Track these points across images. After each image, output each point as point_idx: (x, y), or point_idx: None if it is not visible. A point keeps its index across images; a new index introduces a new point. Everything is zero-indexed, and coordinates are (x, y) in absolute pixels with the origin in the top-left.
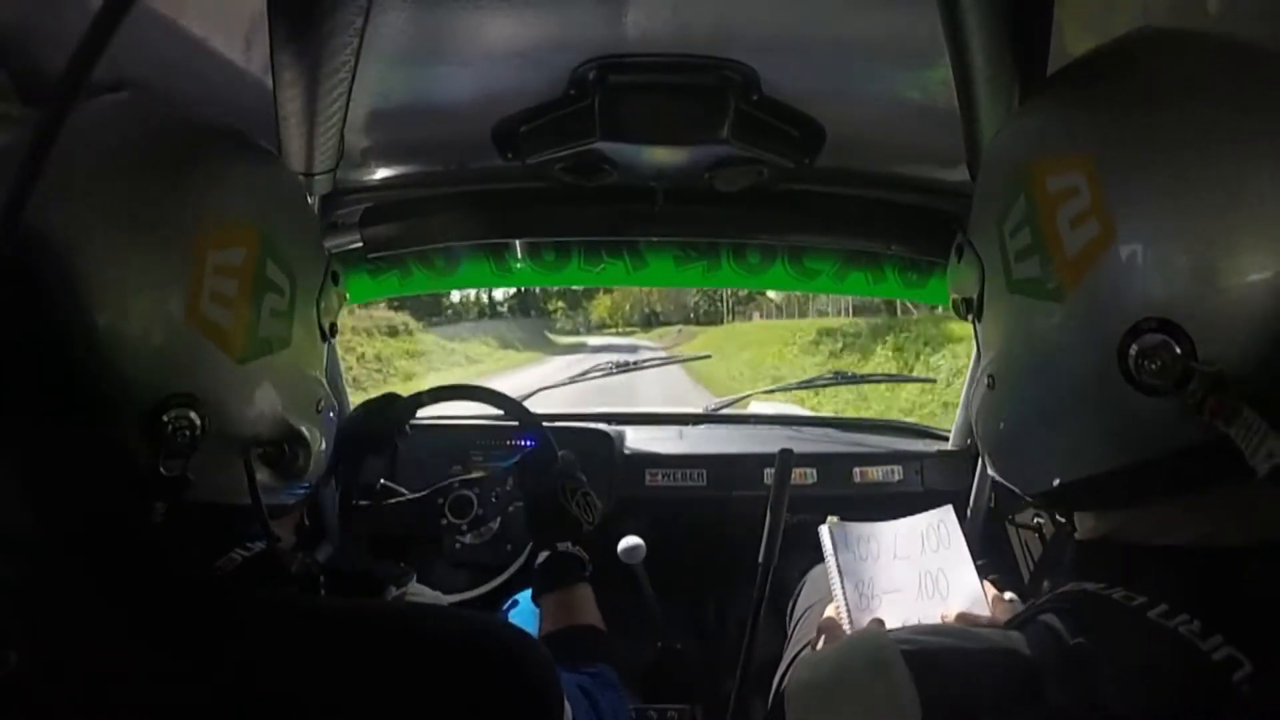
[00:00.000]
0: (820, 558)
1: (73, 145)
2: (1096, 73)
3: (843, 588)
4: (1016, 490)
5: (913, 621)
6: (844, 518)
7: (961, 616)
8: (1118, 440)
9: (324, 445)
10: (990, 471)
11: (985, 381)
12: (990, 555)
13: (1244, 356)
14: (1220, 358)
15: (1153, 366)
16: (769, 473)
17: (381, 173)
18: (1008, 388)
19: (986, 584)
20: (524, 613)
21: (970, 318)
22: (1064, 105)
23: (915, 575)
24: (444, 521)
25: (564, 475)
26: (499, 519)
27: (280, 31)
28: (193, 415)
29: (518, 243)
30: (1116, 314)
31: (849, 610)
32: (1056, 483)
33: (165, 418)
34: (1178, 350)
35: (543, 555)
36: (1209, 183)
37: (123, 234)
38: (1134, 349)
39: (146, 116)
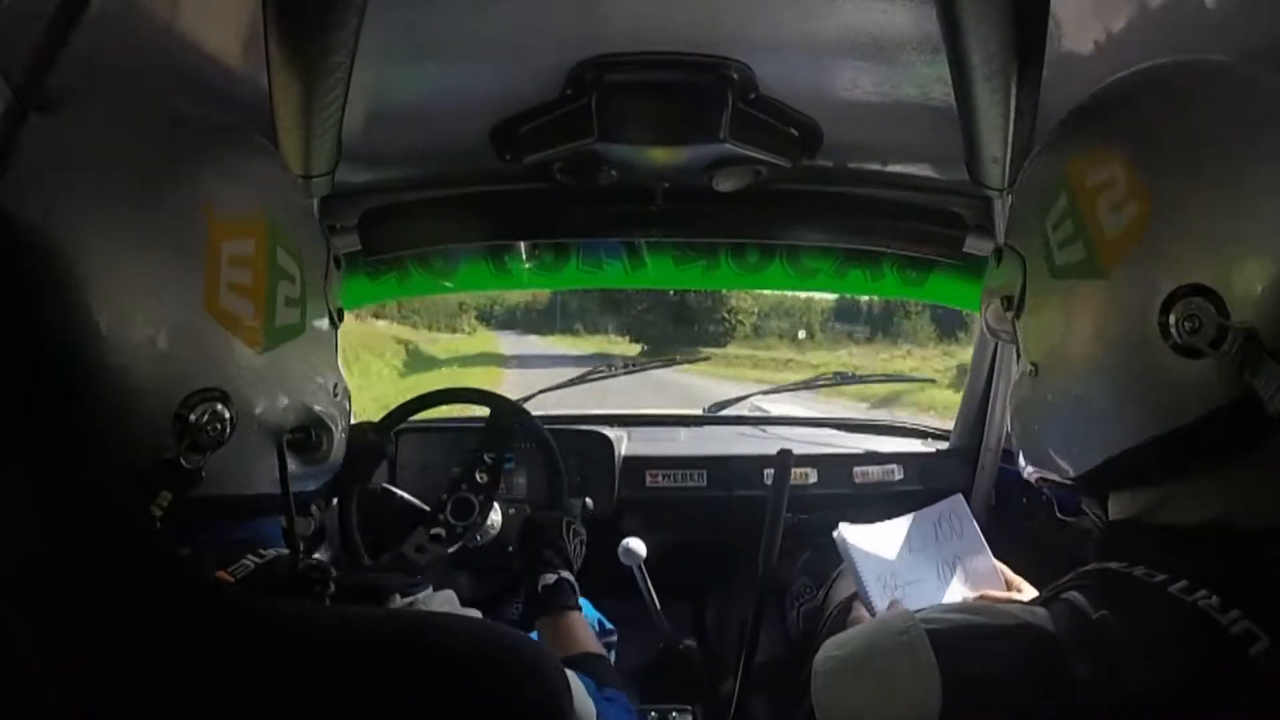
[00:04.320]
0: (832, 557)
1: (79, 146)
2: (1117, 94)
3: (865, 585)
4: (1057, 479)
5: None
6: (845, 518)
7: (983, 597)
8: (1158, 407)
9: (342, 427)
10: (1027, 467)
11: (1029, 371)
12: (991, 554)
13: (1272, 318)
14: (1250, 319)
15: (1191, 327)
16: (769, 473)
17: (380, 175)
18: (1052, 369)
19: (1002, 566)
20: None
21: (1012, 317)
22: (1094, 118)
23: (933, 565)
24: (458, 529)
25: (571, 514)
26: (500, 520)
27: (276, 32)
28: (220, 408)
29: (518, 244)
30: (1156, 284)
31: (874, 604)
32: (1098, 462)
33: (192, 415)
34: (1213, 311)
35: (547, 578)
36: (1229, 170)
37: (137, 232)
38: (1173, 314)
39: (148, 115)
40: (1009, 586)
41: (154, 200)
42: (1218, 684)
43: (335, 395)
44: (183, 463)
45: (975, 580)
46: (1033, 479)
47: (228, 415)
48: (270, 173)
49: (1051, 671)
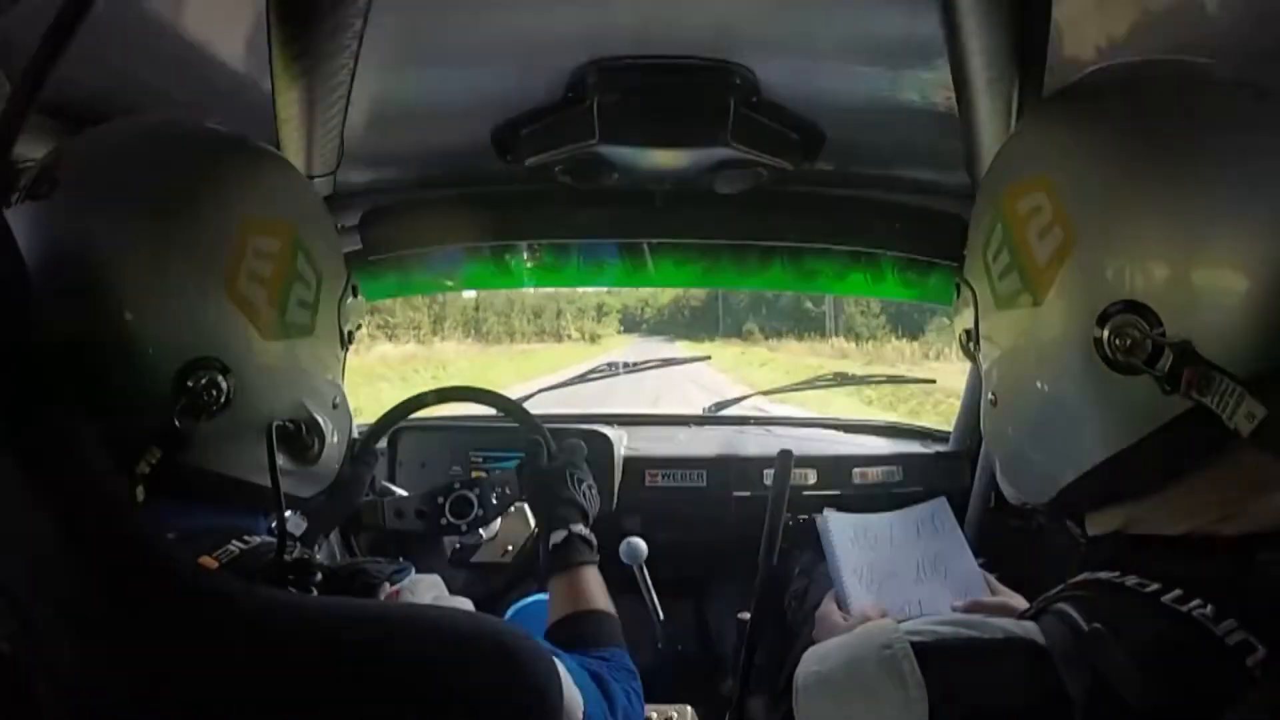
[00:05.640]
0: (823, 555)
1: (122, 150)
2: (1049, 109)
3: (841, 575)
4: (1032, 505)
5: (913, 604)
6: None
7: (975, 605)
8: (1108, 429)
9: (337, 441)
10: (1006, 493)
11: (990, 401)
12: (990, 555)
13: (1207, 332)
14: (1187, 334)
15: (1122, 344)
16: (769, 474)
17: (381, 175)
18: (1007, 401)
19: (987, 574)
20: (530, 614)
21: (972, 348)
22: (1022, 141)
23: (913, 561)
24: (443, 521)
25: (570, 464)
26: (499, 520)
27: (280, 34)
28: (219, 379)
29: (519, 244)
30: (1087, 305)
31: (848, 597)
32: (1063, 486)
33: (191, 380)
34: (1147, 326)
35: (556, 536)
36: (1149, 180)
37: (175, 220)
38: (1106, 332)
39: (192, 128)
40: (994, 594)
41: (193, 198)
42: (1214, 696)
43: (334, 406)
44: (176, 422)
45: (957, 584)
46: (1015, 502)
47: (225, 387)
48: (302, 189)
49: (1044, 686)
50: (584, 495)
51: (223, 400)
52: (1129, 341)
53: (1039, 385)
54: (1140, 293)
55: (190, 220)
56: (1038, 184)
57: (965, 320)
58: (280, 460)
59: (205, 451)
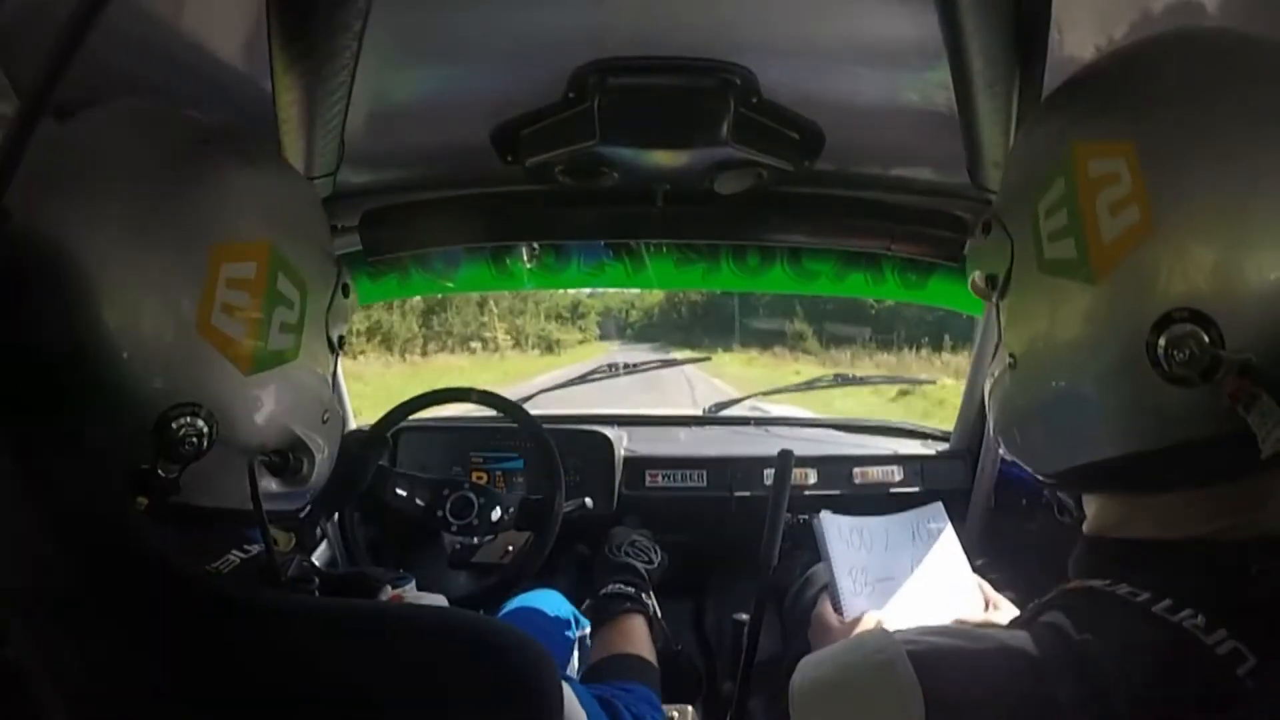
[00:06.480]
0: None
1: (91, 152)
2: (1138, 63)
3: (836, 577)
4: (1028, 469)
5: (904, 607)
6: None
7: (959, 623)
8: (1138, 427)
9: (328, 453)
10: (1001, 450)
11: (1006, 360)
12: (990, 555)
13: (1270, 349)
14: (1248, 349)
15: (1180, 356)
16: (769, 474)
17: (381, 176)
18: (1031, 367)
19: (979, 578)
20: (525, 611)
21: (994, 296)
22: (1107, 92)
23: (907, 565)
24: (440, 514)
25: (627, 533)
26: (499, 522)
27: (280, 35)
28: (200, 424)
29: (519, 245)
30: (1148, 301)
31: (843, 598)
32: (1072, 465)
33: (173, 425)
34: (1206, 340)
35: (605, 590)
36: (1250, 177)
37: (139, 244)
38: (1163, 338)
39: (163, 125)
40: (987, 600)
41: (159, 218)
42: (1205, 706)
43: (324, 421)
44: (159, 472)
45: (950, 589)
46: (1007, 458)
47: (206, 430)
48: (284, 194)
49: (1036, 695)
50: (629, 555)
51: (205, 444)
52: (1187, 354)
53: (1072, 366)
54: (1208, 301)
55: (152, 257)
56: (1120, 148)
57: (990, 263)
58: (270, 485)
59: (192, 491)
